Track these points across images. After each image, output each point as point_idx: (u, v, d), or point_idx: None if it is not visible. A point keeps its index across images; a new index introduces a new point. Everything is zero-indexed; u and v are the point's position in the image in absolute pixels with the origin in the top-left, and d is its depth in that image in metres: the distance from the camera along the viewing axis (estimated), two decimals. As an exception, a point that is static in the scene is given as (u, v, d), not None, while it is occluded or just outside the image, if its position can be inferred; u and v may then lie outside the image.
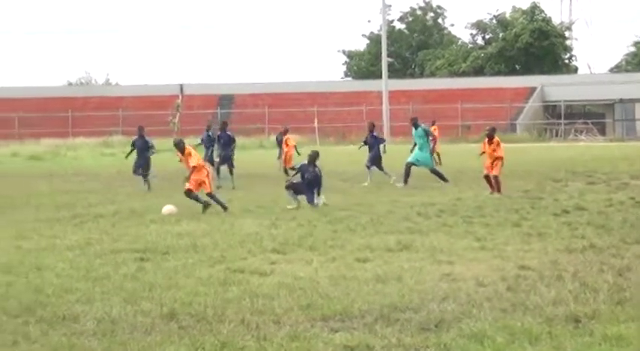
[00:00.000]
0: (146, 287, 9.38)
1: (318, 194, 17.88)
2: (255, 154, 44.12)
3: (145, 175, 24.00)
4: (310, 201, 17.72)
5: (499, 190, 19.49)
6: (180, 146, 17.93)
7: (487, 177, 19.84)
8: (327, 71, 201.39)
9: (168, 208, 17.08)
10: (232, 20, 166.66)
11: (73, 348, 7.16)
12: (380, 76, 70.19)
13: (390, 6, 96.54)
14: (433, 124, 35.12)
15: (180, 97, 69.81)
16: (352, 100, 76.02)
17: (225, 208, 17.27)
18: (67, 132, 68.82)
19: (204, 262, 11.01)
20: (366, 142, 24.91)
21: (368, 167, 24.28)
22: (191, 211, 17.13)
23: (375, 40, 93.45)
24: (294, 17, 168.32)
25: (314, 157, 18.34)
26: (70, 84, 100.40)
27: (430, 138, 23.51)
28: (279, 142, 32.66)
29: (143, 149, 24.30)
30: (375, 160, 24.27)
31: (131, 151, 25.10)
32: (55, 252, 12.15)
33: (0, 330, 7.74)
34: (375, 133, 25.09)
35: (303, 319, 7.93)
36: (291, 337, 7.33)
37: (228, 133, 25.86)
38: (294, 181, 18.22)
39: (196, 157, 17.94)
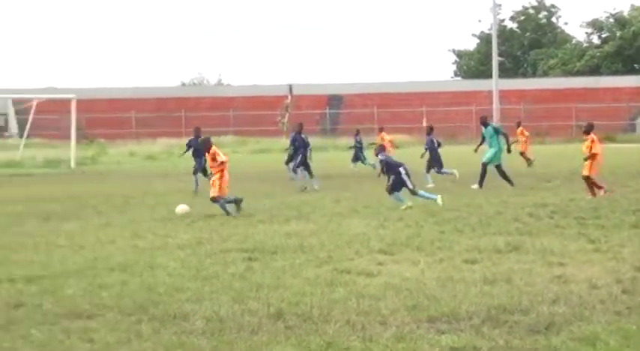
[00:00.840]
0: (254, 287, 9.48)
1: (409, 177, 17.78)
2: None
3: (205, 176, 22.70)
4: (413, 193, 17.64)
5: (597, 187, 18.87)
6: (206, 144, 17.17)
7: (587, 178, 19.17)
8: (437, 71, 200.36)
9: (182, 208, 17.20)
10: (341, 20, 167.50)
11: (182, 346, 7.29)
12: (490, 76, 69.26)
13: (501, 5, 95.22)
14: (519, 126, 34.36)
15: (289, 97, 70.46)
16: (461, 100, 75.29)
17: (228, 213, 16.79)
18: (181, 132, 70.21)
19: (312, 263, 11.05)
20: (436, 144, 25.03)
21: (445, 172, 24.75)
22: (299, 211, 17.26)
23: (485, 39, 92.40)
24: (404, 17, 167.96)
25: (376, 152, 19.05)
26: (183, 84, 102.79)
27: (501, 136, 23.14)
28: (359, 147, 32.57)
29: (200, 151, 22.74)
30: (437, 162, 24.64)
31: (185, 151, 25.04)
32: (167, 251, 12.43)
33: (115, 328, 7.93)
34: (432, 137, 25.13)
35: (410, 320, 7.87)
36: (397, 338, 7.29)
37: (302, 135, 25.29)
38: (390, 183, 18.17)
39: (223, 154, 17.41)
